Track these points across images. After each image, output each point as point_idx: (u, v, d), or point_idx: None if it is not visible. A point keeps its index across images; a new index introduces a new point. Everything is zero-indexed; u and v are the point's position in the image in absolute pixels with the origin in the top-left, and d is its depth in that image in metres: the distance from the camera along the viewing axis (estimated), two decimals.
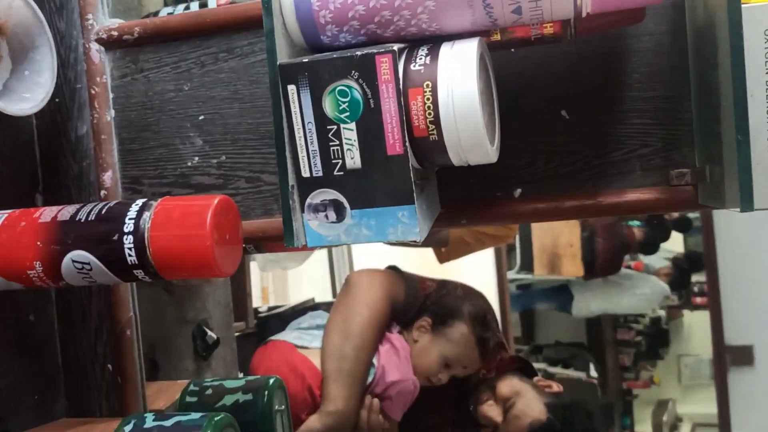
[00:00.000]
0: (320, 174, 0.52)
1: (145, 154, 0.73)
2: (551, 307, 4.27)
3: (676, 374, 4.74)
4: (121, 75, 0.73)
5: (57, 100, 0.74)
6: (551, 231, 3.99)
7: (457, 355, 1.28)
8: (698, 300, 4.43)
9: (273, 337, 1.38)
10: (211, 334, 1.06)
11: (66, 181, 0.75)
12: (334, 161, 0.51)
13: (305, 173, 0.52)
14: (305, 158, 0.52)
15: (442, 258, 1.60)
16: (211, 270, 0.59)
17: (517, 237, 4.05)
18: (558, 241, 4.00)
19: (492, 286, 3.26)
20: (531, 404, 1.30)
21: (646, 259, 4.25)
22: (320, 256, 3.08)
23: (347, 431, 1.17)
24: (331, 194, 0.52)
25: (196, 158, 0.72)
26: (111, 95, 0.72)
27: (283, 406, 0.81)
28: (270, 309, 1.71)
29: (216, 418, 0.67)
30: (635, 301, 3.99)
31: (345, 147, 0.51)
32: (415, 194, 0.51)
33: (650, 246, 3.97)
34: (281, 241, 0.71)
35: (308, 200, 0.53)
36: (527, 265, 4.04)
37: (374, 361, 1.24)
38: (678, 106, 0.60)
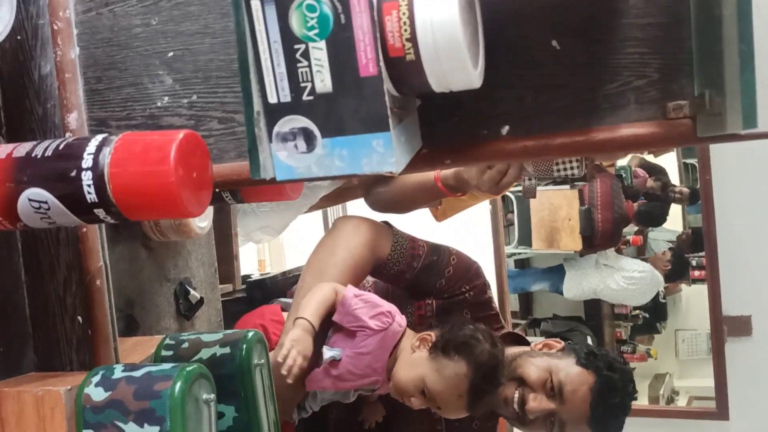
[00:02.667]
0: (288, 99, 0.48)
1: (112, 94, 0.69)
2: (544, 288, 4.24)
3: (672, 348, 4.73)
4: (85, 9, 0.68)
5: (19, 37, 0.69)
6: (549, 205, 3.96)
7: (441, 392, 1.11)
8: (696, 274, 4.40)
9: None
10: (194, 294, 1.03)
11: (30, 124, 0.71)
12: (302, 84, 0.48)
13: (272, 98, 0.48)
14: (272, 82, 0.48)
15: (439, 216, 1.55)
16: (176, 209, 0.55)
17: (515, 211, 4.02)
18: (556, 215, 3.96)
19: (490, 261, 3.24)
20: (570, 371, 1.21)
21: (647, 239, 4.22)
22: (316, 224, 3.05)
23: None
24: (300, 121, 0.49)
25: (166, 98, 0.68)
26: (75, 31, 0.68)
27: (263, 360, 0.78)
28: (262, 275, 1.68)
29: (188, 369, 0.64)
30: (626, 283, 3.95)
31: (314, 68, 0.47)
32: (390, 121, 0.47)
33: (649, 218, 3.94)
34: (257, 184, 0.68)
35: (276, 128, 0.49)
36: (525, 240, 4.01)
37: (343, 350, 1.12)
38: (676, 33, 0.56)
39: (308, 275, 1.22)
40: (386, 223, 1.35)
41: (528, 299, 4.54)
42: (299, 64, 0.47)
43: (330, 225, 3.11)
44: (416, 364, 1.13)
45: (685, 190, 3.77)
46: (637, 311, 4.49)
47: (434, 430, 1.40)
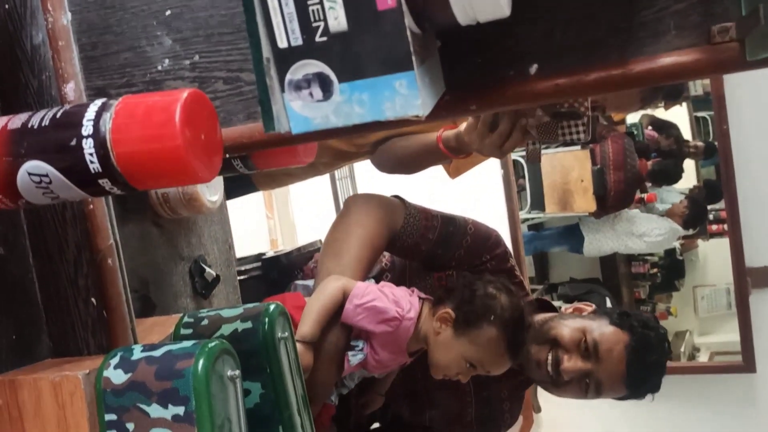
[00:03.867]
0: (300, 42, 0.44)
1: (110, 61, 0.65)
2: (563, 249, 4.20)
3: (691, 306, 4.69)
4: None
5: (6, 6, 0.65)
6: (561, 167, 3.90)
7: (482, 360, 1.09)
8: (714, 228, 4.34)
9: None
10: (210, 271, 1.00)
11: (26, 98, 0.67)
12: (314, 24, 0.43)
13: (282, 43, 0.44)
14: (280, 24, 0.44)
15: (452, 173, 1.50)
16: (185, 174, 0.52)
17: (526, 175, 3.96)
18: (568, 177, 3.91)
19: (504, 228, 3.20)
20: (604, 331, 1.19)
21: (660, 194, 4.16)
22: (327, 203, 3.02)
23: (333, 355, 1.08)
24: (314, 66, 0.44)
25: (167, 60, 0.63)
26: None
27: (287, 333, 0.74)
28: (276, 253, 1.64)
29: (210, 345, 0.61)
30: (646, 245, 3.91)
31: (326, 5, 0.43)
32: (414, 58, 0.43)
33: (664, 176, 3.88)
34: (269, 146, 0.64)
35: (288, 76, 0.45)
36: (538, 204, 3.96)
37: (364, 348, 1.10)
38: None
39: (326, 258, 1.18)
40: (397, 197, 1.31)
41: (543, 264, 4.51)
42: (310, 2, 0.43)
43: (341, 203, 3.09)
44: (449, 345, 1.09)
45: (700, 144, 3.70)
46: (655, 269, 4.45)
47: (464, 402, 1.38)
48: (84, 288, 0.69)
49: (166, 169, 0.51)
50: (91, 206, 0.67)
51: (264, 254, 1.54)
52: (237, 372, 0.63)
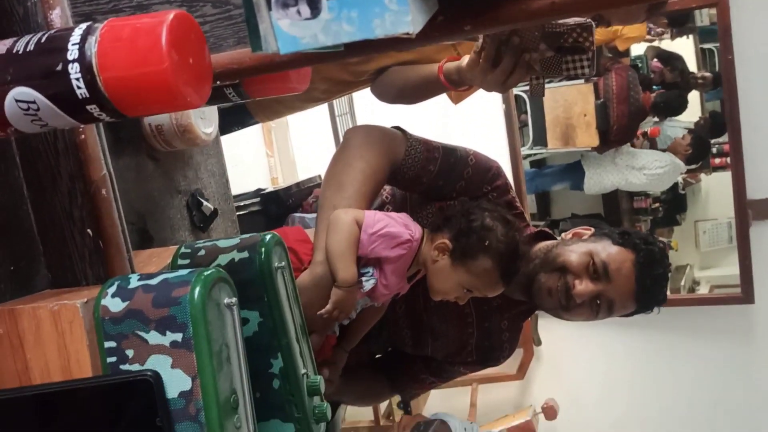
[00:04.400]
0: None
1: None
2: (564, 187, 4.19)
3: (693, 240, 4.72)
4: None
5: None
6: (564, 102, 3.86)
7: (478, 287, 1.13)
8: (717, 161, 4.32)
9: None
10: (208, 205, 1.00)
11: (11, 27, 0.65)
12: None
13: None
14: None
15: (455, 98, 1.49)
16: (174, 99, 0.51)
17: (529, 111, 3.92)
18: (571, 112, 3.87)
19: (506, 163, 3.19)
20: (611, 252, 1.22)
21: (663, 129, 4.12)
22: (326, 139, 3.00)
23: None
24: None
25: None
26: None
27: (284, 263, 0.74)
28: (275, 188, 1.64)
29: (205, 273, 0.61)
30: (647, 179, 3.90)
31: None
32: None
33: (668, 108, 3.83)
34: (260, 72, 0.63)
35: None
36: (540, 140, 3.94)
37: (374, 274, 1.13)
38: None
39: (328, 190, 1.18)
40: (398, 128, 1.30)
41: (545, 200, 4.51)
42: None
43: (341, 139, 3.08)
44: (446, 273, 1.13)
45: (708, 74, 3.64)
46: (657, 204, 4.45)
47: (466, 333, 1.40)
48: (79, 219, 0.69)
49: (154, 94, 0.50)
50: (83, 136, 0.66)
51: (263, 190, 1.55)
52: (234, 300, 0.63)
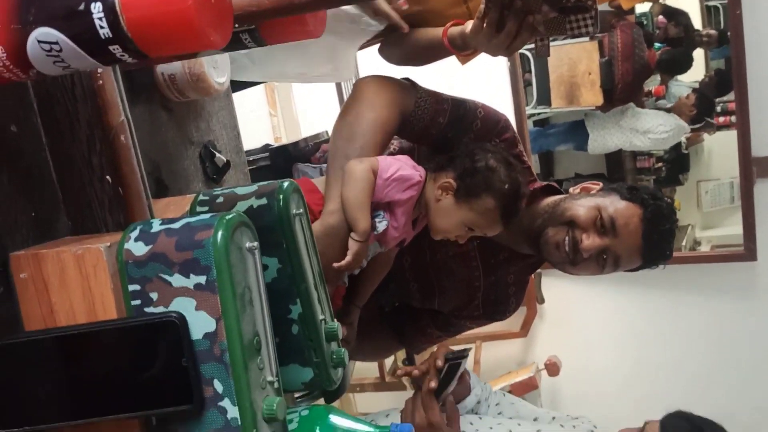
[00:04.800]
0: None
1: None
2: (568, 148, 4.18)
3: (695, 200, 4.72)
4: None
5: None
6: (568, 60, 3.82)
7: (479, 225, 1.17)
8: (721, 120, 4.29)
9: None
10: (220, 156, 1.00)
11: None
12: None
13: None
14: None
15: (462, 59, 1.48)
16: (196, 37, 0.51)
17: (533, 70, 3.89)
18: (576, 70, 3.84)
19: (511, 120, 3.17)
20: (619, 207, 1.23)
21: (668, 86, 4.08)
22: (330, 97, 2.98)
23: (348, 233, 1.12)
24: None
25: None
26: None
27: (302, 210, 0.75)
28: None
29: (227, 217, 0.62)
30: (651, 142, 3.89)
31: None
32: None
33: (673, 66, 3.79)
34: (279, 15, 0.62)
35: None
36: (544, 99, 3.91)
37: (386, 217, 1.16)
38: None
39: (339, 140, 1.18)
40: (408, 79, 1.29)
41: (549, 160, 4.50)
42: None
43: (344, 98, 3.06)
44: (449, 212, 1.16)
45: (713, 32, 3.59)
46: (660, 164, 4.44)
47: (473, 287, 1.41)
48: (98, 166, 0.69)
49: (177, 34, 0.50)
50: (101, 82, 0.66)
51: (270, 145, 1.54)
52: (255, 243, 0.64)
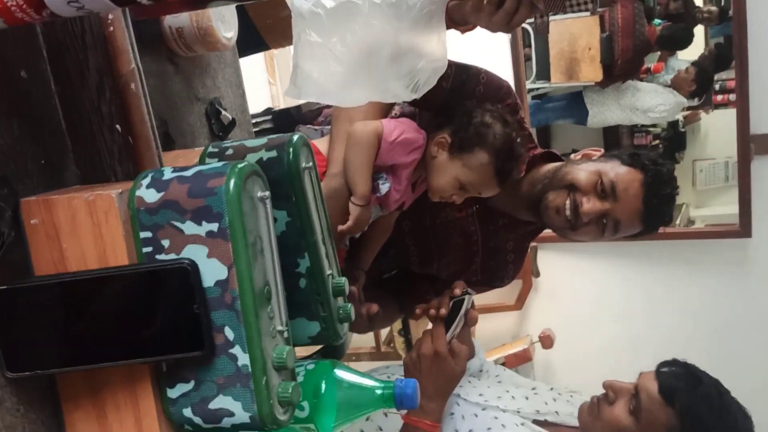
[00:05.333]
0: None
1: None
2: (567, 122, 4.17)
3: (690, 179, 4.74)
4: None
5: None
6: (569, 35, 3.80)
7: (473, 182, 1.17)
8: (719, 98, 4.29)
9: None
10: (226, 114, 1.00)
11: None
12: None
13: None
14: None
15: (462, 30, 1.47)
16: None
17: (533, 44, 3.86)
18: (576, 45, 3.82)
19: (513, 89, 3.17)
20: (620, 172, 1.23)
21: (668, 62, 4.07)
22: None
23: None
24: None
25: None
26: None
27: (311, 164, 0.75)
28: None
29: (239, 165, 0.62)
30: (650, 120, 3.89)
31: None
32: None
33: (673, 42, 3.77)
34: None
35: None
36: (544, 74, 3.89)
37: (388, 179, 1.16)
38: None
39: (341, 108, 1.17)
40: None
41: (546, 135, 4.49)
42: None
43: None
44: (444, 168, 1.16)
45: (714, 8, 3.58)
46: (657, 141, 4.45)
47: (471, 252, 1.42)
48: (108, 115, 0.69)
49: None
50: (111, 29, 0.65)
51: (273, 108, 1.54)
52: (267, 193, 0.64)
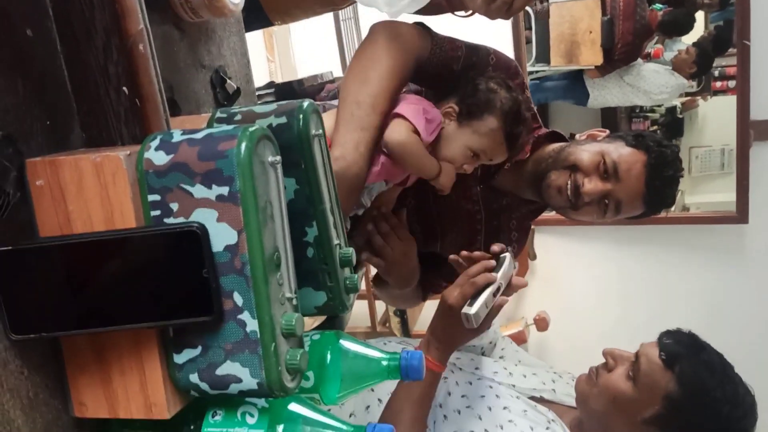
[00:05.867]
0: None
1: None
2: (567, 102, 4.17)
3: (686, 166, 4.75)
4: None
5: None
6: (570, 17, 3.78)
7: (484, 148, 1.17)
8: (718, 85, 4.29)
9: None
10: (231, 83, 0.98)
11: None
12: None
13: None
14: None
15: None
16: None
17: (533, 27, 3.84)
18: (576, 28, 3.80)
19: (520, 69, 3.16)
20: (623, 153, 1.22)
21: (668, 44, 4.06)
22: (329, 41, 2.94)
23: (354, 183, 1.11)
24: None
25: None
26: None
27: (321, 131, 0.74)
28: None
29: (251, 129, 0.60)
30: (651, 101, 3.89)
31: None
32: None
33: (674, 27, 3.76)
34: None
35: None
36: (543, 57, 3.88)
37: None
38: None
39: (352, 85, 1.15)
40: (423, 25, 1.27)
41: (544, 118, 4.48)
42: None
43: (345, 45, 3.01)
44: (453, 137, 1.18)
45: None
46: (655, 127, 4.45)
47: (474, 230, 1.41)
48: (115, 76, 0.67)
49: None
50: None
51: (274, 82, 1.52)
52: (278, 158, 0.63)
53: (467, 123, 1.16)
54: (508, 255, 1.13)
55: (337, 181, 1.08)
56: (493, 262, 1.11)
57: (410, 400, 1.10)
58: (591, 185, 1.22)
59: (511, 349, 1.43)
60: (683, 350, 1.13)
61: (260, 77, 3.05)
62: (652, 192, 1.22)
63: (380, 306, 2.98)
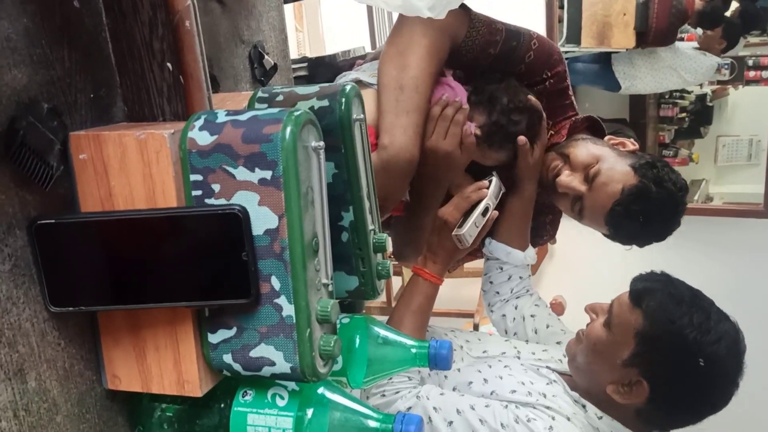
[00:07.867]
0: None
1: None
2: (597, 88, 4.11)
3: (712, 155, 4.67)
4: None
5: None
6: None
7: (484, 162, 1.28)
8: (751, 74, 4.21)
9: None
10: (269, 59, 0.97)
11: None
12: None
13: None
14: None
15: None
16: None
17: (565, 5, 3.77)
18: (610, 9, 3.74)
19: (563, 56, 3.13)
20: (616, 168, 1.20)
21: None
22: (359, 12, 2.90)
23: (406, 168, 1.10)
24: None
25: None
26: None
27: (362, 116, 0.73)
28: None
29: (296, 113, 0.60)
30: (684, 82, 3.82)
31: None
32: None
33: (710, 18, 3.68)
34: None
35: None
36: (574, 37, 3.81)
37: None
38: None
39: (393, 69, 1.13)
40: (462, 5, 1.24)
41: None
42: None
43: (374, 17, 2.96)
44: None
45: None
46: (684, 114, 4.38)
47: None
48: (159, 51, 0.66)
49: None
50: None
51: (307, 56, 1.51)
52: (321, 143, 0.62)
53: (481, 147, 1.22)
54: (494, 177, 1.23)
55: (389, 168, 1.08)
56: (486, 182, 1.21)
57: (410, 310, 1.20)
58: (567, 179, 1.24)
59: (545, 312, 1.50)
60: (651, 286, 1.10)
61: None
62: (614, 215, 1.20)
63: (396, 282, 2.99)
